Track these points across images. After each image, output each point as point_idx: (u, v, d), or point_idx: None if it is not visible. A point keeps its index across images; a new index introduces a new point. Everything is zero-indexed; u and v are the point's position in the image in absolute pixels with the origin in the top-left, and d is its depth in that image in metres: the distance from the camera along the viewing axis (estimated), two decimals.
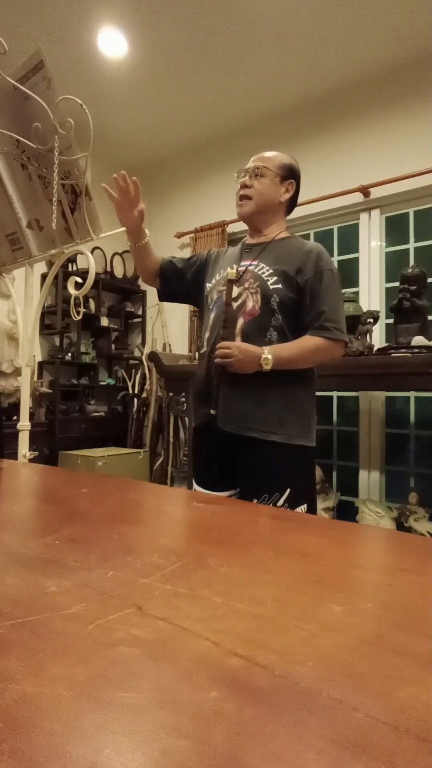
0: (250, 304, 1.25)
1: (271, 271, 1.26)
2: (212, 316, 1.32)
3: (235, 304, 1.27)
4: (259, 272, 1.27)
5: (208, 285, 1.40)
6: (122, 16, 2.62)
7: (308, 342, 1.22)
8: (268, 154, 1.35)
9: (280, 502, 1.19)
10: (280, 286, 1.24)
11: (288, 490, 1.20)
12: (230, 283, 1.27)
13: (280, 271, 1.25)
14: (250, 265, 1.30)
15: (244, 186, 1.34)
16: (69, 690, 0.28)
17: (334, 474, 3.17)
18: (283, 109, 3.36)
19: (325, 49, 2.81)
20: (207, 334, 1.33)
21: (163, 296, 1.52)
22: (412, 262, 2.93)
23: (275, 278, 1.25)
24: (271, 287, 1.24)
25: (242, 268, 1.30)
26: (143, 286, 4.29)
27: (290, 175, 1.35)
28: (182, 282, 1.47)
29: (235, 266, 1.31)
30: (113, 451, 3.54)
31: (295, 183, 1.36)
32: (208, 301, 1.37)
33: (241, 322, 1.25)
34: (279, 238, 1.34)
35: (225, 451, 1.27)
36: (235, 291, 1.27)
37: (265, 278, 1.25)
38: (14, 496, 0.87)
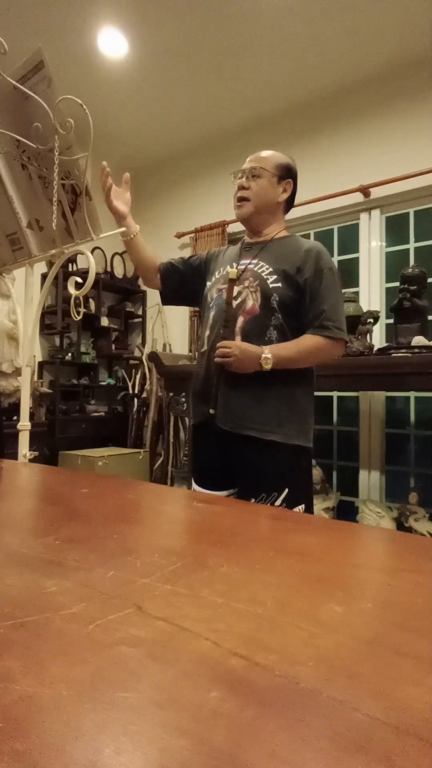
0: (249, 303, 1.24)
1: (271, 269, 1.25)
2: (212, 314, 1.31)
3: (234, 303, 1.26)
4: (259, 271, 1.26)
5: (207, 283, 1.40)
6: (122, 16, 2.62)
7: (308, 341, 1.22)
8: (265, 153, 1.34)
9: (278, 502, 1.19)
10: (280, 285, 1.23)
11: (286, 490, 1.20)
12: (231, 282, 1.26)
13: (280, 270, 1.24)
14: (250, 263, 1.29)
15: (242, 188, 1.32)
16: (69, 690, 0.28)
17: (334, 474, 3.17)
18: (283, 109, 3.36)
19: (325, 49, 2.81)
20: (207, 333, 1.32)
21: (166, 300, 1.51)
22: (412, 262, 2.93)
23: (275, 277, 1.24)
24: (271, 286, 1.23)
25: (242, 267, 1.29)
26: (143, 285, 4.29)
27: (287, 174, 1.34)
28: (184, 284, 1.46)
29: (234, 265, 1.31)
30: (113, 451, 3.54)
31: (293, 182, 1.35)
32: (207, 299, 1.36)
33: (240, 321, 1.24)
34: (279, 237, 1.33)
35: (224, 450, 1.27)
36: (235, 290, 1.27)
37: (265, 277, 1.25)
38: (14, 496, 0.87)
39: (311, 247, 1.28)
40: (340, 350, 1.26)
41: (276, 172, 1.32)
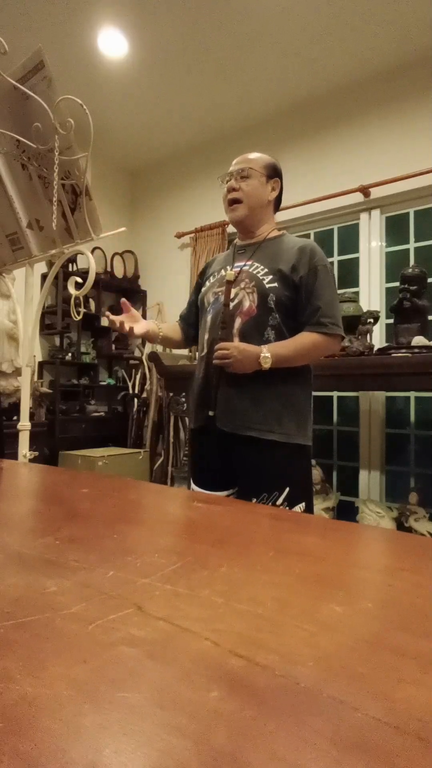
0: (246, 304, 1.25)
1: (266, 270, 1.26)
2: (209, 318, 1.32)
3: (231, 305, 1.27)
4: (255, 272, 1.27)
5: (203, 289, 1.41)
6: (122, 16, 2.62)
7: (305, 338, 1.23)
8: (251, 155, 1.35)
9: (279, 501, 1.19)
10: (276, 284, 1.24)
11: (287, 489, 1.20)
12: (229, 284, 1.27)
13: (276, 270, 1.25)
14: (245, 265, 1.30)
15: (232, 189, 1.33)
16: (69, 690, 0.28)
17: (334, 474, 3.17)
18: (283, 108, 3.36)
19: (325, 49, 2.81)
20: (205, 336, 1.33)
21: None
22: (412, 262, 2.93)
23: (271, 277, 1.25)
24: (268, 286, 1.24)
25: (237, 269, 1.30)
26: (143, 285, 4.29)
27: (275, 173, 1.36)
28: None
29: (228, 267, 1.32)
30: (113, 451, 3.54)
31: (280, 181, 1.37)
32: (204, 303, 1.37)
33: (238, 322, 1.25)
34: (271, 237, 1.34)
35: (223, 450, 1.27)
36: (232, 292, 1.28)
37: (261, 277, 1.25)
38: (14, 496, 0.87)
39: (305, 245, 1.29)
40: (336, 346, 1.28)
41: (264, 172, 1.33)
